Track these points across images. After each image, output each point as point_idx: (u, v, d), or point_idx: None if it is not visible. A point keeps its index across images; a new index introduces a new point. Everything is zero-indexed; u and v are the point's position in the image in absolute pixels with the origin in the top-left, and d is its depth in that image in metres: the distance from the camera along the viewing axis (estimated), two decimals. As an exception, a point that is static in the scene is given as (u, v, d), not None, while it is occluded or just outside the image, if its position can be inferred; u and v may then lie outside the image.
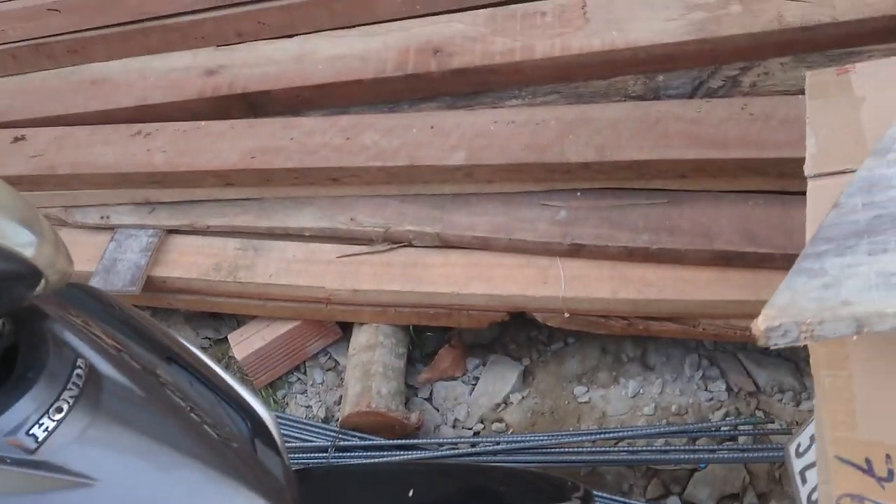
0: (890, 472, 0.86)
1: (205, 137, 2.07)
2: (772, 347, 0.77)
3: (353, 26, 2.10)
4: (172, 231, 2.12)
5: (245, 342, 2.08)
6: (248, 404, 1.02)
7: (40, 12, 2.31)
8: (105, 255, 2.07)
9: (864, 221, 0.85)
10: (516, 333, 2.11)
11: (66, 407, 0.78)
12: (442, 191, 1.94)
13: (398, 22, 2.07)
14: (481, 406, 2.00)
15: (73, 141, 2.15)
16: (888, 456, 0.86)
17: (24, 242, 0.78)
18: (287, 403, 2.13)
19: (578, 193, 1.87)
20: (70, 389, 0.79)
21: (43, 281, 0.79)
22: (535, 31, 1.93)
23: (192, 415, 0.90)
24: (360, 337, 2.02)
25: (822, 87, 1.24)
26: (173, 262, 2.07)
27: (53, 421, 0.77)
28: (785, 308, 0.77)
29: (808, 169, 1.04)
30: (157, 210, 2.13)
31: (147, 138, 2.10)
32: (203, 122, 2.10)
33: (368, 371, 1.93)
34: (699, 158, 1.74)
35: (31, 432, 0.75)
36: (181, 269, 2.05)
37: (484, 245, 1.89)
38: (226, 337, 2.19)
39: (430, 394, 2.06)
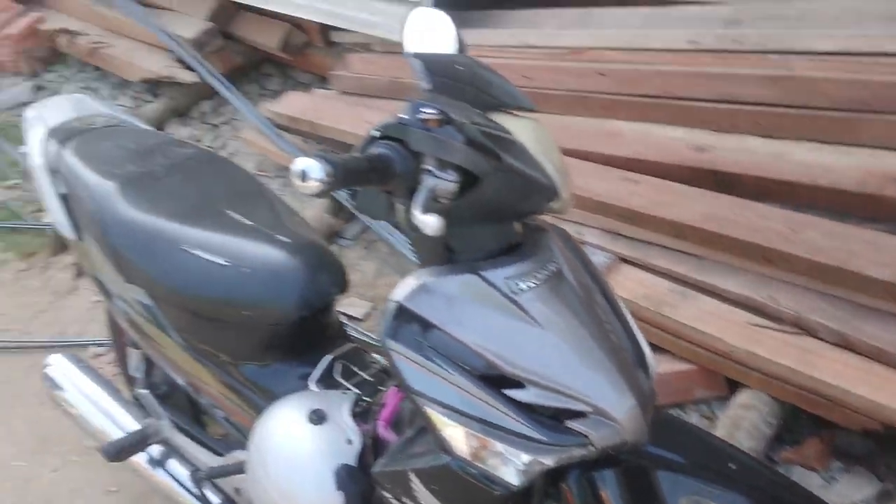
0: None
1: (671, 195, 2.53)
2: None
3: (831, 143, 2.40)
4: (625, 260, 2.61)
5: (645, 365, 2.47)
6: (640, 340, 1.42)
7: (590, 73, 2.99)
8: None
9: None
10: (893, 460, 2.19)
11: (539, 280, 1.27)
12: (862, 300, 2.14)
13: (871, 149, 2.32)
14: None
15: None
16: None
17: (552, 173, 1.29)
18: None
19: None
20: (545, 271, 1.28)
21: (557, 199, 1.30)
22: None
23: (605, 325, 1.34)
24: (741, 396, 2.29)
25: None
26: (617, 284, 2.55)
27: (531, 284, 1.26)
28: None
29: None
30: (619, 241, 2.63)
31: (632, 184, 2.63)
32: (676, 183, 2.57)
33: (737, 424, 2.19)
34: None
35: (518, 284, 1.25)
36: (620, 290, 2.52)
37: (881, 356, 2.05)
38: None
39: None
